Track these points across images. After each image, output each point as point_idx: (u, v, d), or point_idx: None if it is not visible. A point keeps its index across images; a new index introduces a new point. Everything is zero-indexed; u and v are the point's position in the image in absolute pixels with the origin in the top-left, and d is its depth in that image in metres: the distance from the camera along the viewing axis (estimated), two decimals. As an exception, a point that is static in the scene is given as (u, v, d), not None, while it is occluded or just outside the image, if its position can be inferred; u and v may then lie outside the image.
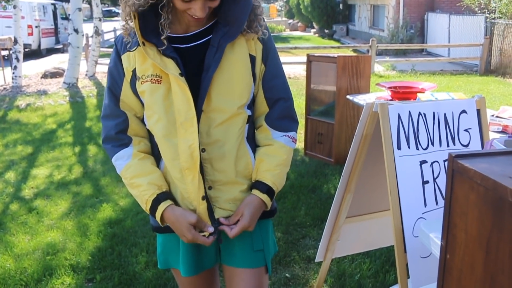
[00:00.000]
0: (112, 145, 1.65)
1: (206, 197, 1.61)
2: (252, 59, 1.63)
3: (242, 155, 1.64)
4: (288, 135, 1.68)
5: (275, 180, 1.65)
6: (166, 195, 1.61)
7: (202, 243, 1.60)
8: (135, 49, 1.57)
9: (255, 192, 1.64)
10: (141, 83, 1.59)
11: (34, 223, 4.15)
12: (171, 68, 1.54)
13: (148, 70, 1.58)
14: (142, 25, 1.52)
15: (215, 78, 1.56)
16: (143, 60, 1.58)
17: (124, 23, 1.58)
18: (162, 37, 1.53)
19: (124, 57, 1.61)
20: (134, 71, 1.60)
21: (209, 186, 1.62)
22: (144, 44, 1.53)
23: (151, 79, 1.57)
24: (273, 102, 1.68)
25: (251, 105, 1.67)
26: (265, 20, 1.70)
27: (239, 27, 1.56)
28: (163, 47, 1.54)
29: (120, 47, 1.63)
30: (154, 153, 1.68)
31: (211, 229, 1.61)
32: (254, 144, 1.70)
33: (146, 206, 1.61)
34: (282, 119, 1.69)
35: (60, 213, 4.35)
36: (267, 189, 1.64)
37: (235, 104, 1.59)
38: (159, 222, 1.62)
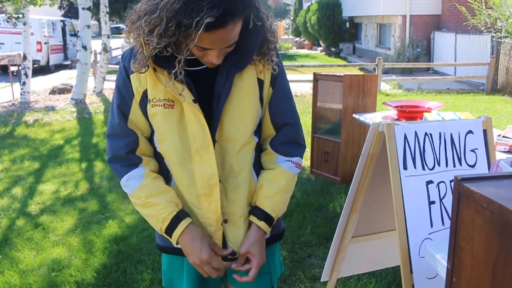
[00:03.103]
0: (122, 165, 1.61)
1: (223, 223, 1.62)
2: (260, 83, 1.62)
3: (252, 185, 1.65)
4: (291, 161, 1.67)
5: (274, 207, 1.63)
6: (185, 213, 1.60)
7: (208, 272, 1.58)
8: (146, 70, 1.53)
9: (253, 218, 1.63)
10: (152, 106, 1.56)
11: (40, 239, 4.16)
12: (184, 94, 1.52)
13: (160, 94, 1.55)
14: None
15: (226, 107, 1.55)
16: (154, 83, 1.55)
17: (130, 41, 1.54)
18: (176, 67, 1.48)
19: (133, 77, 1.58)
20: (145, 92, 1.58)
21: (224, 219, 1.62)
22: (155, 70, 1.52)
23: (164, 104, 1.55)
24: (279, 126, 1.66)
25: (257, 130, 1.66)
26: None
27: (248, 57, 1.55)
28: (175, 71, 1.49)
29: (128, 66, 1.59)
30: (163, 175, 1.66)
31: (229, 250, 1.62)
32: (259, 170, 1.69)
33: (162, 225, 1.57)
34: (287, 144, 1.67)
35: (66, 229, 4.36)
36: (265, 216, 1.62)
37: (248, 132, 1.59)
38: (173, 241, 1.59)
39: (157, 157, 1.66)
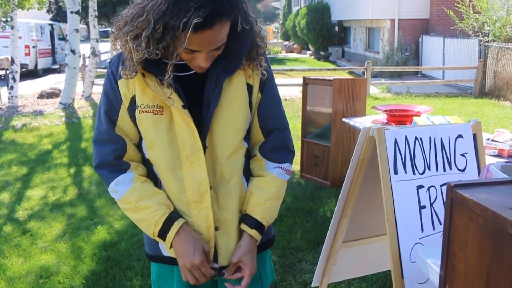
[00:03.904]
0: (109, 171, 1.58)
1: (214, 231, 1.60)
2: (249, 88, 1.60)
3: (242, 191, 1.63)
4: (281, 167, 1.65)
5: (265, 214, 1.61)
6: (178, 214, 1.57)
7: (198, 277, 1.56)
8: (135, 76, 1.51)
9: (244, 226, 1.61)
10: (140, 112, 1.54)
11: (28, 245, 4.11)
12: (174, 99, 1.50)
13: (149, 100, 1.53)
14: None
15: (216, 113, 1.54)
16: (143, 89, 1.53)
17: (115, 44, 1.52)
18: (165, 72, 1.47)
19: (121, 82, 1.55)
20: (133, 98, 1.55)
21: (216, 226, 1.59)
22: (144, 75, 1.50)
23: (153, 110, 1.53)
24: (268, 132, 1.65)
25: (247, 136, 1.65)
26: None
27: (238, 62, 1.54)
28: (164, 77, 1.48)
29: (115, 71, 1.57)
30: (151, 179, 1.64)
31: (216, 265, 1.60)
32: (248, 177, 1.67)
33: (155, 229, 1.54)
34: (277, 150, 1.65)
35: (54, 236, 4.31)
36: (256, 224, 1.60)
37: (238, 137, 1.58)
38: (166, 244, 1.56)
39: (146, 164, 1.63)
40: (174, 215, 1.55)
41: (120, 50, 1.53)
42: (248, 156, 1.67)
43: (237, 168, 1.60)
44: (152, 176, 1.63)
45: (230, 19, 1.42)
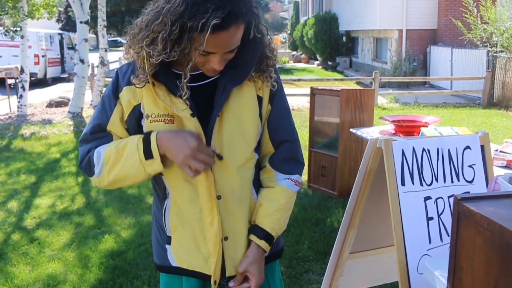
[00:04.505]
0: (91, 146, 1.61)
1: (223, 240, 1.60)
2: (260, 99, 1.62)
3: (252, 202, 1.64)
4: (291, 178, 1.66)
5: (274, 225, 1.62)
6: (151, 132, 1.54)
7: (204, 159, 1.48)
8: (144, 85, 1.53)
9: (252, 237, 1.61)
10: (150, 122, 1.55)
11: (36, 253, 4.13)
12: (182, 109, 1.52)
13: (159, 109, 1.54)
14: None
15: (226, 124, 1.55)
16: (153, 98, 1.54)
17: (130, 55, 1.54)
18: (173, 82, 1.51)
19: (127, 89, 1.57)
20: (137, 106, 1.57)
21: (225, 236, 1.60)
22: (154, 85, 1.51)
23: (164, 120, 1.54)
24: (278, 143, 1.66)
25: (257, 147, 1.66)
26: None
27: (246, 72, 1.55)
28: (174, 87, 1.51)
29: (122, 78, 1.58)
30: (160, 192, 1.65)
31: (214, 148, 1.53)
32: (258, 187, 1.68)
33: (139, 153, 1.50)
34: (286, 161, 1.66)
35: (62, 244, 4.33)
36: (265, 235, 1.61)
37: (248, 148, 1.59)
38: (156, 157, 1.50)
39: (156, 178, 1.64)
40: (148, 133, 1.53)
41: (132, 59, 1.55)
42: (258, 167, 1.68)
43: (247, 179, 1.61)
44: (161, 186, 1.63)
45: (245, 22, 1.44)
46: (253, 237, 1.61)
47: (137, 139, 1.53)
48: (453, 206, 1.02)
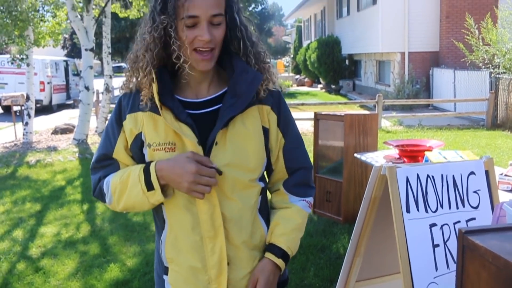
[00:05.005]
0: (101, 175, 1.65)
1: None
2: (265, 131, 1.63)
3: (257, 228, 1.64)
4: (305, 200, 1.70)
5: (290, 244, 1.64)
6: (150, 162, 1.56)
7: (206, 183, 1.48)
8: (146, 112, 1.56)
9: (270, 256, 1.62)
10: (152, 151, 1.56)
11: (41, 284, 4.11)
12: (189, 135, 1.53)
13: (160, 137, 1.56)
14: (159, 87, 1.54)
15: (221, 150, 1.55)
16: (154, 126, 1.56)
17: (131, 80, 1.60)
18: (179, 108, 1.54)
19: (130, 117, 1.59)
20: (139, 135, 1.59)
21: (227, 262, 1.59)
22: (161, 108, 1.53)
23: (165, 148, 1.55)
24: (293, 170, 1.70)
25: (263, 177, 1.67)
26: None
27: (246, 100, 1.57)
28: (179, 112, 1.54)
29: (126, 105, 1.61)
30: (159, 223, 1.65)
31: (215, 165, 1.53)
32: (266, 215, 1.69)
33: (141, 184, 1.52)
34: (299, 185, 1.70)
35: (67, 273, 4.32)
36: (282, 254, 1.62)
37: (247, 177, 1.59)
38: (156, 187, 1.51)
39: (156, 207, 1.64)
40: (148, 164, 1.55)
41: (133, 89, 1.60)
42: (265, 194, 1.69)
43: (249, 207, 1.61)
44: (159, 217, 1.64)
45: None
46: (270, 256, 1.62)
47: (139, 169, 1.55)
48: (458, 239, 1.02)
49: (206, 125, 1.58)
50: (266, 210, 1.69)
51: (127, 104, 1.61)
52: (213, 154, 1.55)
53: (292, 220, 1.65)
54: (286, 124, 1.68)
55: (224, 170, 1.55)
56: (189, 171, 1.47)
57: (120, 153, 1.62)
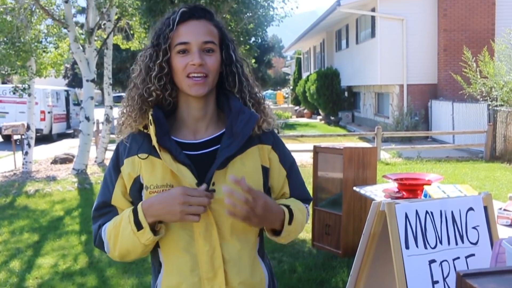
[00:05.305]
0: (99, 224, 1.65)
1: None
2: (265, 170, 1.65)
3: (256, 269, 1.64)
4: (306, 206, 1.77)
5: (297, 215, 1.66)
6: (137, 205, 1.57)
7: (198, 203, 1.48)
8: (146, 157, 1.58)
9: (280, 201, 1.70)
10: (150, 193, 1.56)
11: (37, 316, 4.07)
12: (188, 176, 1.54)
13: (158, 180, 1.56)
14: (156, 129, 1.55)
15: (219, 191, 1.55)
16: (151, 168, 1.57)
17: (126, 123, 1.62)
18: (177, 149, 1.56)
19: (127, 162, 1.60)
20: (137, 179, 1.59)
21: None
22: (159, 150, 1.55)
23: (162, 190, 1.55)
24: (297, 198, 1.77)
25: None
26: (272, 106, 1.76)
27: (242, 140, 1.59)
28: (178, 153, 1.55)
29: (123, 151, 1.63)
30: (155, 265, 1.65)
31: (204, 186, 1.52)
32: (265, 257, 1.69)
33: (131, 226, 1.52)
34: (300, 200, 1.77)
35: (64, 306, 4.28)
36: (289, 209, 1.65)
37: None
38: (145, 225, 1.50)
39: (154, 251, 1.64)
40: (136, 205, 1.56)
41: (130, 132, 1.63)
42: (263, 235, 1.70)
43: (247, 248, 1.61)
44: (156, 259, 1.63)
45: (214, 25, 1.61)
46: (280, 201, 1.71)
47: (129, 211, 1.55)
48: (456, 282, 1.03)
49: (205, 166, 1.59)
50: (264, 252, 1.70)
51: (124, 149, 1.63)
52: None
53: (300, 206, 1.71)
54: (288, 162, 1.72)
55: (221, 209, 1.55)
56: (177, 194, 1.48)
57: (118, 199, 1.62)
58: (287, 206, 1.65)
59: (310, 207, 1.82)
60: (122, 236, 1.55)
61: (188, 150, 1.60)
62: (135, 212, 1.53)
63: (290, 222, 1.62)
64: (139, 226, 1.51)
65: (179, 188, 1.49)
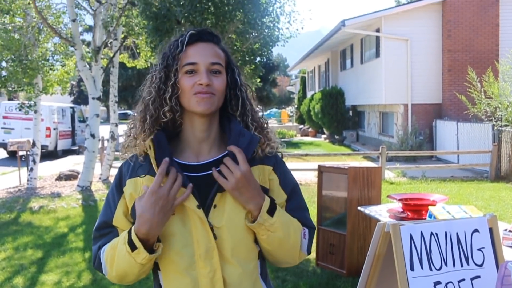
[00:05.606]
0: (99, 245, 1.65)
1: None
2: (265, 191, 1.64)
3: None
4: (304, 228, 1.70)
5: (283, 215, 1.62)
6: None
7: (174, 188, 1.51)
8: (145, 176, 1.60)
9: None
10: None
11: (40, 334, 4.06)
12: (188, 199, 1.55)
13: None
14: (157, 152, 1.56)
15: (219, 212, 1.57)
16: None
17: (131, 145, 1.63)
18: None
19: (130, 182, 1.62)
20: None
21: None
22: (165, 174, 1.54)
23: None
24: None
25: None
26: (276, 125, 1.75)
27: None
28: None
29: (126, 171, 1.64)
30: (155, 287, 1.64)
31: (167, 159, 1.54)
32: (267, 280, 1.68)
33: (126, 246, 1.52)
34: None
35: (67, 324, 4.26)
36: (273, 202, 1.61)
37: (244, 237, 1.59)
38: (136, 242, 1.51)
39: (155, 273, 1.64)
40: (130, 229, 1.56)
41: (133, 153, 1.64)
42: (262, 258, 1.68)
43: (248, 272, 1.60)
44: (157, 282, 1.63)
45: (221, 49, 1.65)
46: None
47: (126, 232, 1.56)
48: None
49: (207, 188, 1.59)
50: (267, 275, 1.70)
51: (127, 170, 1.64)
52: (211, 216, 1.57)
53: (295, 221, 1.66)
54: (289, 186, 1.71)
55: (222, 232, 1.56)
56: (146, 199, 1.49)
57: (119, 220, 1.63)
58: (273, 200, 1.63)
59: (313, 234, 1.78)
60: (118, 257, 1.55)
61: (190, 171, 1.61)
62: (129, 233, 1.54)
63: (270, 213, 1.58)
64: (133, 247, 1.51)
65: (150, 188, 1.50)
